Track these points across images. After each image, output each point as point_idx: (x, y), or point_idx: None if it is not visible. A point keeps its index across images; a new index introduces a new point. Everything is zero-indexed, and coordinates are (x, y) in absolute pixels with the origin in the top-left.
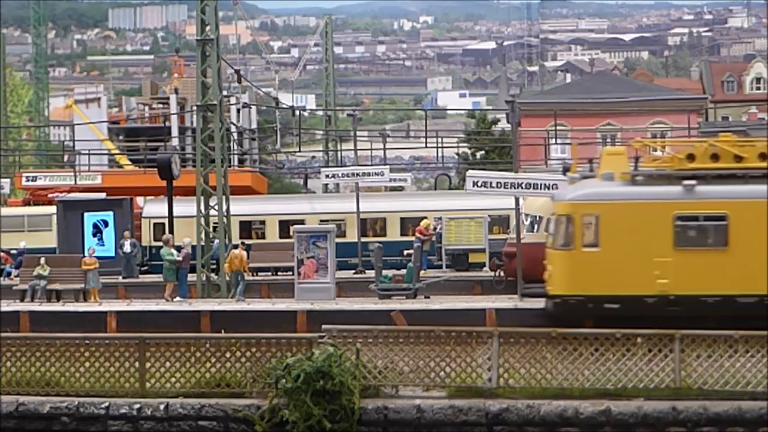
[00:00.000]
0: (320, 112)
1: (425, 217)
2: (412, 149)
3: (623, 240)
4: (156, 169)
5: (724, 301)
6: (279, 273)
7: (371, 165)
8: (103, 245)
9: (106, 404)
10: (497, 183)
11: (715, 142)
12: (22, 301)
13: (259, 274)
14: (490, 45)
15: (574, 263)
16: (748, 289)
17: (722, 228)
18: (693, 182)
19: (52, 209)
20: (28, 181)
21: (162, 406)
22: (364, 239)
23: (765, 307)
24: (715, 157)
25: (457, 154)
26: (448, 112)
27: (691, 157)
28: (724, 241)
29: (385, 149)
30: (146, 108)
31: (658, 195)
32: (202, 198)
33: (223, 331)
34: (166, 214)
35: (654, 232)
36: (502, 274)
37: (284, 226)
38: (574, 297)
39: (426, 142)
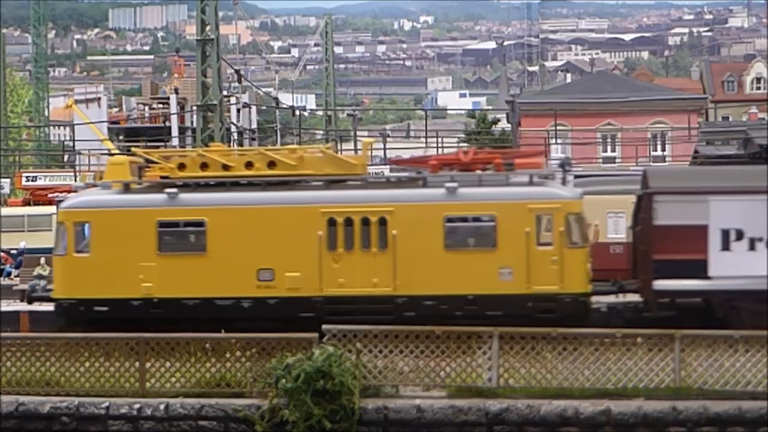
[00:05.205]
0: (320, 112)
1: None
2: (412, 149)
3: (112, 246)
4: None
5: (203, 304)
6: None
7: (371, 165)
8: None
9: (106, 404)
10: None
11: (204, 151)
12: (22, 301)
13: None
14: (490, 45)
15: (67, 268)
16: (226, 292)
17: (201, 234)
18: (175, 190)
19: (52, 209)
20: (28, 181)
21: (162, 406)
22: None
23: (241, 308)
24: (204, 166)
25: None
26: (448, 112)
27: (182, 166)
28: (202, 246)
29: (385, 149)
30: (146, 108)
31: (143, 203)
32: None
33: (223, 331)
34: None
35: (139, 238)
36: None
37: None
38: (68, 300)
39: (426, 142)
